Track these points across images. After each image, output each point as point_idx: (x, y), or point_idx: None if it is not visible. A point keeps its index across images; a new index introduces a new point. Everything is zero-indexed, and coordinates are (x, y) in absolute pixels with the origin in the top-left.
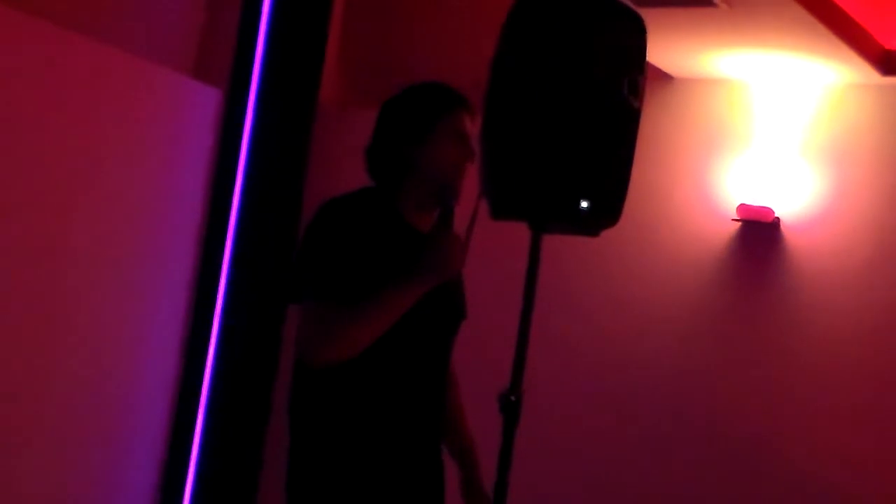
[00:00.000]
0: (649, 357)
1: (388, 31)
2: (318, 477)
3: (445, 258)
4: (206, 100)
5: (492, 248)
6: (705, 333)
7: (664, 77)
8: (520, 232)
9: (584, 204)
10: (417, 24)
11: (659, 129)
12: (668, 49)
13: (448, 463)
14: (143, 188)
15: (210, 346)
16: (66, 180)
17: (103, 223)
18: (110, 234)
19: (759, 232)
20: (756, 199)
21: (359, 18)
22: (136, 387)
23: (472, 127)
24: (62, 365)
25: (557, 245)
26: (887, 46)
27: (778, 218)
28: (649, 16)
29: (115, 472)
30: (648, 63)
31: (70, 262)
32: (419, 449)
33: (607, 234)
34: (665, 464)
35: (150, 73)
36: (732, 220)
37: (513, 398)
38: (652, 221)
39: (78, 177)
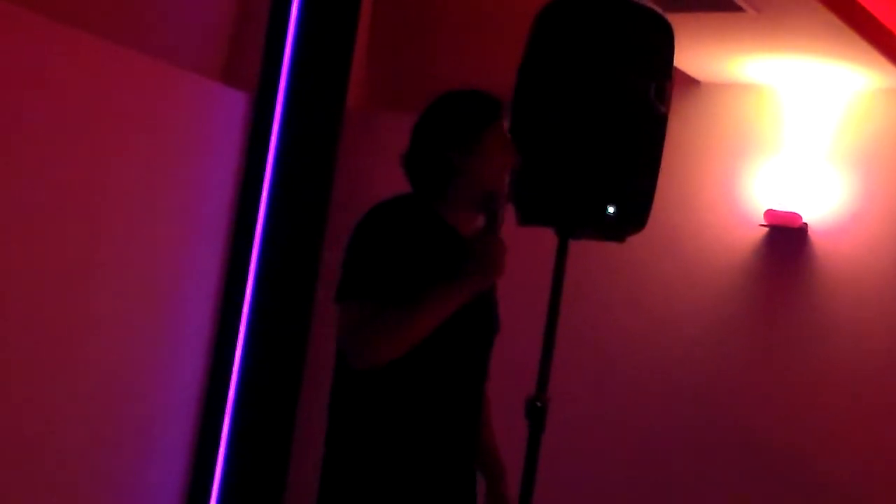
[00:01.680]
0: (676, 362)
1: (415, 35)
2: (352, 480)
3: (491, 262)
4: (234, 104)
5: (517, 254)
6: (733, 338)
7: (691, 82)
8: (546, 237)
9: (610, 209)
10: (444, 29)
11: (686, 134)
12: (695, 54)
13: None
14: (171, 191)
15: (237, 348)
16: (94, 185)
17: (131, 227)
18: (138, 237)
19: (786, 237)
20: (784, 205)
21: (386, 23)
22: (163, 389)
23: None
24: (90, 368)
25: (584, 250)
26: None
27: (806, 223)
28: (676, 21)
29: (142, 475)
30: (676, 68)
31: (98, 266)
32: (453, 461)
33: (634, 240)
34: (691, 467)
35: (179, 78)
36: (760, 225)
37: (539, 404)
38: (679, 227)
39: (106, 181)
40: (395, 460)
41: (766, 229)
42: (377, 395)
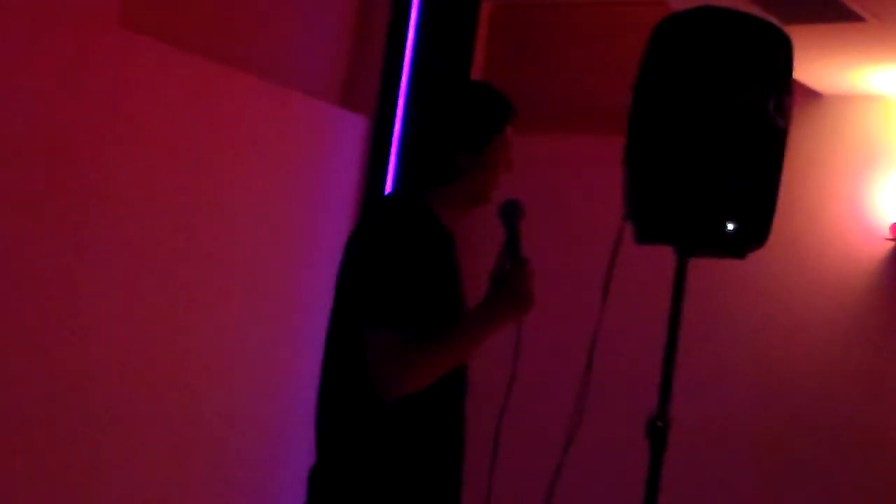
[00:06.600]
0: (801, 376)
1: (532, 56)
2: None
3: (523, 296)
4: (352, 127)
5: (633, 269)
6: (857, 355)
7: (813, 94)
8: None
9: (730, 226)
10: (559, 48)
11: (808, 147)
12: (816, 66)
13: None
14: (291, 215)
15: None
16: (215, 209)
17: (253, 250)
18: (260, 261)
19: None
20: None
21: (502, 45)
22: (284, 408)
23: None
24: (215, 380)
25: (704, 264)
26: None
27: None
28: (796, 33)
29: (269, 478)
30: (796, 81)
31: (219, 288)
32: (442, 486)
33: (756, 255)
34: (820, 477)
35: (298, 102)
36: (886, 239)
37: (660, 424)
38: (802, 242)
39: (227, 206)
40: (387, 483)
41: (893, 243)
42: (372, 419)
